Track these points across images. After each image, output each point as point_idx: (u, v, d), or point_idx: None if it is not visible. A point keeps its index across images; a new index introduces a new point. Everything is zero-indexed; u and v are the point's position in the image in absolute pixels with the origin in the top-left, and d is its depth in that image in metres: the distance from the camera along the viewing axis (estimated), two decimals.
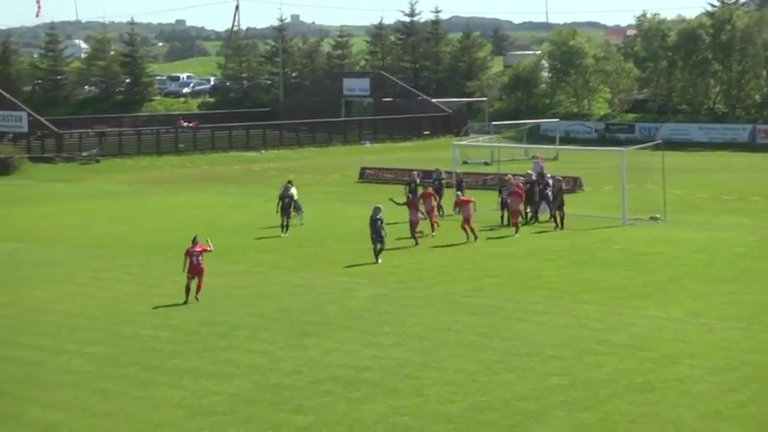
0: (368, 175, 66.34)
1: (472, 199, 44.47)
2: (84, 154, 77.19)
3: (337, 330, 29.59)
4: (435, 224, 45.03)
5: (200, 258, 32.72)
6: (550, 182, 47.80)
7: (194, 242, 33.08)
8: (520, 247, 42.36)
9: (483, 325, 30.03)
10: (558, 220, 46.44)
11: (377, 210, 39.54)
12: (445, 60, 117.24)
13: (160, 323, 30.55)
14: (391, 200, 44.06)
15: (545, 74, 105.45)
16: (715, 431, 21.49)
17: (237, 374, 25.52)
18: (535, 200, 47.83)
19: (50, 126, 79.29)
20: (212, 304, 32.67)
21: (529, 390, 24.20)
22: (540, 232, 45.66)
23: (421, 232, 43.22)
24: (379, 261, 38.70)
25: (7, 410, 22.97)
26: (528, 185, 47.83)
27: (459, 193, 46.52)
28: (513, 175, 49.61)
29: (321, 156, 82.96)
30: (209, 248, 33.31)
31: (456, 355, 27.08)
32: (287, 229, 44.41)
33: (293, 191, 48.03)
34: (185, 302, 32.46)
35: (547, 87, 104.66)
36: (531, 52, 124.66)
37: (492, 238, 44.09)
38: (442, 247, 42.54)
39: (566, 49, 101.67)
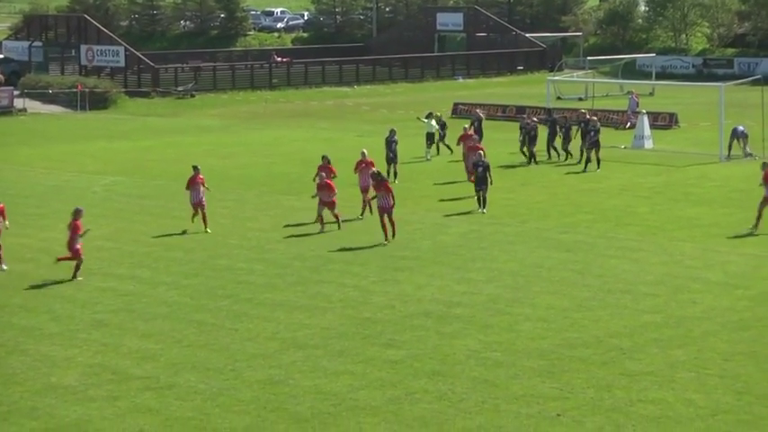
0: (461, 111, 66.04)
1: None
2: (180, 89, 77.83)
3: (429, 266, 29.67)
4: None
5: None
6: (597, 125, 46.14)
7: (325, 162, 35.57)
8: (613, 184, 42.01)
9: (575, 261, 29.91)
10: (595, 160, 44.98)
11: (392, 132, 41.79)
12: None
13: (254, 256, 30.90)
14: (418, 118, 46.94)
15: (642, 8, 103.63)
16: None
17: (330, 308, 25.76)
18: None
19: (147, 61, 79.98)
20: (305, 238, 32.93)
21: (622, 327, 24.11)
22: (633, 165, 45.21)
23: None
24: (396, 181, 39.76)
25: (107, 340, 23.46)
26: (582, 125, 46.80)
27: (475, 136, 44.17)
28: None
29: (414, 91, 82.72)
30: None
31: (548, 291, 27.04)
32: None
33: (434, 122, 48.99)
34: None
35: (643, 22, 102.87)
36: None
37: (574, 173, 43.77)
38: (535, 183, 42.34)
39: None
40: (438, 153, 49.39)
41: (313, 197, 34.23)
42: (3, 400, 20.02)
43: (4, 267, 29.31)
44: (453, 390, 20.42)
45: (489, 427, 18.70)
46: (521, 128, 47.89)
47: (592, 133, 44.98)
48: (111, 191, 41.86)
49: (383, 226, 32.06)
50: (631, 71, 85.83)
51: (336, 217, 33.89)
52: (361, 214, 35.45)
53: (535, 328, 24.06)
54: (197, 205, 34.10)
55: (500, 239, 32.71)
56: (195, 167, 34.83)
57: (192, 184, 34.33)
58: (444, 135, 49.58)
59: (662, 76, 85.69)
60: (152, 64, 79.83)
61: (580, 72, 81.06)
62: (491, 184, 36.41)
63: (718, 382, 20.71)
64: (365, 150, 36.41)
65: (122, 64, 79.67)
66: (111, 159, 50.07)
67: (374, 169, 34.39)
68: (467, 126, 45.41)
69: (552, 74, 78.99)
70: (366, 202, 35.08)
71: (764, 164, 33.76)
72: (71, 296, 26.96)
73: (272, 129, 61.48)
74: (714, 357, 22.04)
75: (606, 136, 53.82)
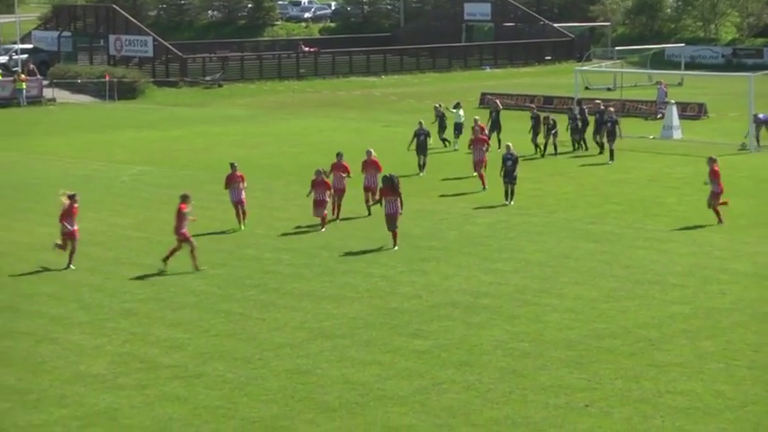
0: (488, 101, 65.85)
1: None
2: (208, 78, 77.98)
3: (456, 256, 29.65)
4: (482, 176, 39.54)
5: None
6: (614, 117, 45.74)
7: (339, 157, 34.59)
8: (642, 175, 41.86)
9: (603, 252, 29.83)
10: (608, 151, 44.55)
11: (421, 124, 41.94)
12: None
13: (281, 246, 30.96)
14: (446, 108, 47.63)
15: None
16: None
17: (357, 298, 25.78)
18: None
19: (175, 51, 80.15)
20: (332, 229, 32.95)
21: (650, 317, 24.04)
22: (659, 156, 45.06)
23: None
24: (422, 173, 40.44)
25: (135, 329, 23.56)
26: (598, 115, 46.43)
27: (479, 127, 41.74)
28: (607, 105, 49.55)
29: (441, 81, 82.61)
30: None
31: (576, 281, 26.98)
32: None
33: (461, 112, 48.63)
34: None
35: (672, 11, 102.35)
36: None
37: (600, 164, 43.64)
38: (563, 174, 42.24)
39: None
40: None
41: (308, 195, 33.03)
42: (32, 388, 20.14)
43: (72, 267, 28.70)
44: (480, 380, 20.41)
45: (517, 417, 18.69)
46: (532, 117, 46.79)
47: (609, 124, 44.63)
48: (138, 180, 42.01)
49: (392, 231, 30.49)
50: (660, 61, 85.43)
51: (323, 219, 32.78)
52: (369, 213, 34.63)
53: (563, 319, 24.02)
54: (237, 204, 33.29)
55: (527, 230, 32.65)
56: (232, 165, 33.81)
57: (231, 181, 33.49)
58: (445, 127, 48.31)
59: (691, 66, 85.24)
60: (180, 54, 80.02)
61: (608, 62, 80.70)
62: (516, 178, 36.06)
63: (747, 373, 20.63)
64: (372, 150, 35.61)
65: (150, 54, 79.86)
66: (139, 149, 50.24)
67: (387, 174, 31.61)
68: (478, 118, 43.13)
69: (580, 64, 78.70)
70: (375, 201, 33.36)
71: (710, 159, 33.34)
72: (100, 285, 27.09)
73: (299, 119, 61.54)
74: (743, 348, 21.95)
75: (635, 126, 53.72)
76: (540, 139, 46.20)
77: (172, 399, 19.62)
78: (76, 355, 21.99)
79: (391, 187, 30.27)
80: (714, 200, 32.88)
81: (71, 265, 28.60)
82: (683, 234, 31.92)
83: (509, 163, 35.95)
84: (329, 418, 18.75)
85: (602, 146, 45.56)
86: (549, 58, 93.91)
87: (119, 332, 23.38)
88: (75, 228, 28.74)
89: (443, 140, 48.30)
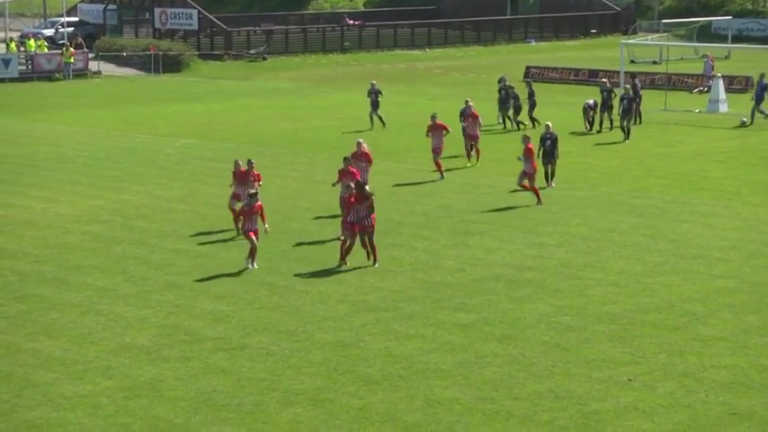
0: (533, 74, 65.61)
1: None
2: (252, 51, 78.05)
3: (500, 229, 29.61)
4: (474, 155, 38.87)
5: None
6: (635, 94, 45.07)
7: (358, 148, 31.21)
8: (687, 148, 41.59)
9: (648, 226, 29.69)
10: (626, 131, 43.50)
11: (467, 102, 39.54)
12: None
13: (324, 219, 30.98)
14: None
15: None
16: None
17: (401, 271, 25.80)
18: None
19: (219, 24, 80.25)
20: (376, 202, 32.92)
21: (694, 292, 23.93)
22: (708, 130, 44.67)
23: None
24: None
25: (179, 301, 23.71)
26: (605, 93, 45.35)
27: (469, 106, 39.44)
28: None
29: (486, 54, 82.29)
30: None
31: (620, 255, 26.88)
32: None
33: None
34: None
35: None
36: None
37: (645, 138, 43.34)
38: (608, 147, 42.01)
39: None
40: (372, 126, 46.73)
41: (334, 185, 30.11)
42: (78, 360, 20.34)
43: (255, 266, 26.17)
44: (524, 354, 20.41)
45: (559, 391, 18.68)
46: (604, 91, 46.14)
47: (625, 101, 43.38)
48: (183, 153, 42.18)
49: (363, 246, 26.30)
50: (707, 34, 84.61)
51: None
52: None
53: (606, 293, 23.95)
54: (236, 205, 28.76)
55: (572, 204, 32.54)
56: (250, 162, 29.47)
57: (241, 179, 29.19)
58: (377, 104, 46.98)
59: (738, 39, 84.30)
60: (225, 27, 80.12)
61: (654, 35, 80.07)
62: (557, 158, 34.63)
63: None
64: (436, 114, 36.07)
65: (195, 27, 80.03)
66: (183, 122, 50.43)
67: (358, 179, 28.04)
68: (468, 99, 40.29)
69: (626, 37, 78.11)
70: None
71: (525, 137, 32.45)
72: (145, 258, 27.26)
73: (343, 92, 61.52)
74: None
75: (681, 100, 53.37)
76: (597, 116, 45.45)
77: (216, 371, 19.75)
78: (122, 326, 22.17)
79: (361, 195, 26.23)
80: (528, 179, 32.02)
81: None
82: (728, 208, 31.70)
83: (548, 143, 34.18)
84: (372, 390, 18.81)
85: (602, 123, 44.94)
86: (595, 31, 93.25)
87: (163, 304, 23.54)
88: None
89: (517, 122, 46.51)
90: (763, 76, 47.81)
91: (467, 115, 38.69)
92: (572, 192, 34.12)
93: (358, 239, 26.23)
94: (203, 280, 25.31)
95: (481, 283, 24.76)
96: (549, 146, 34.31)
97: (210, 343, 21.13)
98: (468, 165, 37.93)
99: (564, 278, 25.09)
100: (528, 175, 32.25)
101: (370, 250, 26.24)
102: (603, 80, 49.77)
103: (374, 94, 47.09)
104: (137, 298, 24.02)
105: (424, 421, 17.59)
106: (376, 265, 26.09)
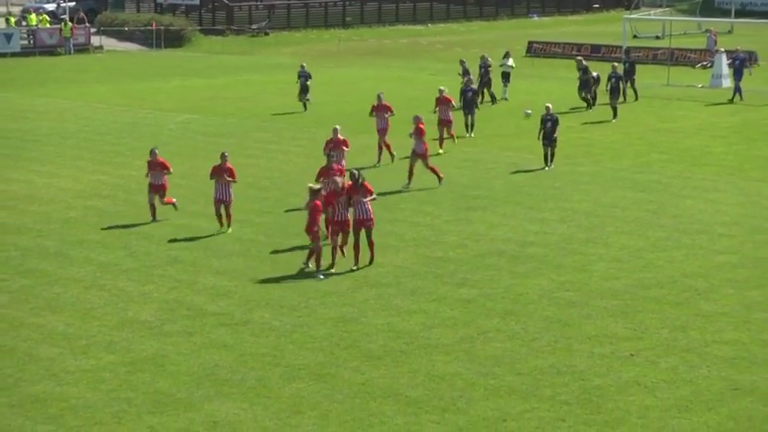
0: (535, 50, 65.50)
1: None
2: (254, 27, 77.87)
3: (502, 205, 29.60)
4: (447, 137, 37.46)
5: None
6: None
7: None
8: (689, 123, 41.53)
9: (650, 201, 29.68)
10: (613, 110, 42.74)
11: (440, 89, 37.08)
12: None
13: None
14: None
15: None
16: None
17: (403, 247, 25.81)
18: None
19: None
20: (378, 177, 32.92)
21: (696, 267, 23.94)
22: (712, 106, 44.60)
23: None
24: (471, 135, 38.65)
25: (182, 276, 23.73)
26: (581, 72, 44.73)
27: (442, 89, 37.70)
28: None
29: (488, 30, 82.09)
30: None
31: (622, 231, 26.88)
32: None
33: (510, 61, 47.47)
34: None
35: None
36: None
37: (649, 112, 43.27)
38: (609, 122, 41.95)
39: None
40: (305, 109, 45.87)
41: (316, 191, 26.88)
42: (81, 334, 20.37)
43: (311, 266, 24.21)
44: (526, 329, 20.43)
45: (561, 366, 18.70)
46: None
47: (613, 80, 42.71)
48: (185, 128, 42.15)
49: (356, 246, 24.40)
50: (710, 9, 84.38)
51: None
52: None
53: (609, 269, 23.96)
54: (219, 202, 27.39)
55: (574, 179, 32.51)
56: (223, 155, 27.60)
57: (217, 174, 27.46)
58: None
59: (741, 13, 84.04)
60: (226, 2, 79.86)
61: (657, 10, 79.85)
62: (557, 140, 33.92)
63: None
64: (338, 127, 32.03)
65: (197, 2, 79.82)
66: (185, 97, 50.38)
67: (352, 170, 25.38)
68: (443, 88, 37.63)
69: (629, 12, 77.90)
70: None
71: (416, 117, 31.76)
72: (147, 233, 27.27)
73: (345, 67, 61.41)
74: None
75: (683, 75, 53.24)
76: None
77: (218, 346, 19.78)
78: (124, 301, 22.20)
79: (355, 184, 24.48)
80: (422, 159, 31.33)
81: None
82: (731, 183, 31.68)
83: (548, 124, 33.60)
84: (374, 366, 18.84)
85: (587, 101, 44.53)
86: (597, 6, 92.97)
87: (166, 279, 23.57)
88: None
89: (491, 96, 46.77)
90: (737, 50, 47.43)
91: (440, 101, 36.72)
92: (574, 167, 34.09)
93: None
94: (205, 255, 25.32)
95: (483, 259, 24.77)
96: (550, 128, 33.76)
97: (213, 318, 21.16)
98: (440, 152, 36.10)
99: (566, 254, 25.09)
100: (420, 155, 31.35)
101: (368, 246, 24.32)
102: (579, 58, 47.49)
103: (303, 78, 45.84)
104: (139, 273, 24.04)
105: (425, 396, 17.62)
106: (371, 263, 24.36)
